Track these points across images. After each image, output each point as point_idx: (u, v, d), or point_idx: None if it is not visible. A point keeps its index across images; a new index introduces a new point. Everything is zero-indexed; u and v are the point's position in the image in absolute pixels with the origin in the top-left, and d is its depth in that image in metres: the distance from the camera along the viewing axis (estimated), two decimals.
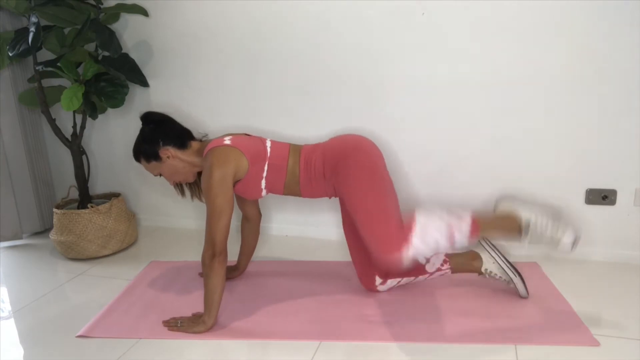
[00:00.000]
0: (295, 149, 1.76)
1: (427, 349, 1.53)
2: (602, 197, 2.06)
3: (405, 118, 2.21)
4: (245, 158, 1.65)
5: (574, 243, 1.52)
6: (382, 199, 1.62)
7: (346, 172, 1.64)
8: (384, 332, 1.62)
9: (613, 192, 2.05)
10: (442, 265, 1.82)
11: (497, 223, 1.60)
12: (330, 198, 1.79)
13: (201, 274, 2.04)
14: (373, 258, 1.66)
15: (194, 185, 1.90)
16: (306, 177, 1.72)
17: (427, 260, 1.83)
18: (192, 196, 1.90)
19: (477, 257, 1.82)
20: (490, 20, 2.00)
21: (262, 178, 1.71)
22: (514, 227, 1.57)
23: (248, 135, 1.81)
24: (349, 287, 1.92)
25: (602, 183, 2.06)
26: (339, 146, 1.71)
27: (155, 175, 1.80)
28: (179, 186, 1.87)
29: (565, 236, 1.52)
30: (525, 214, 1.56)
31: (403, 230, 1.54)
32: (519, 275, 1.76)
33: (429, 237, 1.52)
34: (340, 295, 1.87)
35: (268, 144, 1.74)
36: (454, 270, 1.83)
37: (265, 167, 1.70)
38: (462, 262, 1.83)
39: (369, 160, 1.66)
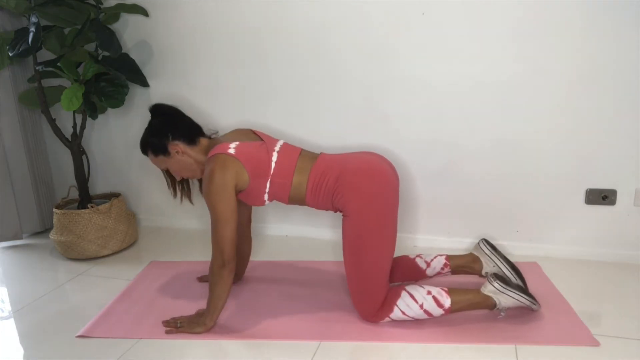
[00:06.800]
0: (304, 165, 1.65)
1: (427, 349, 1.53)
2: (602, 197, 2.06)
3: (406, 118, 2.21)
4: (246, 171, 1.59)
5: (532, 310, 1.68)
6: (379, 261, 1.61)
7: (355, 215, 1.58)
8: (384, 332, 1.62)
9: (613, 192, 2.05)
10: (442, 269, 1.84)
11: (471, 307, 1.64)
12: (335, 212, 1.69)
13: (200, 279, 2.03)
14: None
15: (185, 185, 1.84)
16: (313, 196, 1.64)
17: (428, 265, 1.84)
18: (181, 197, 1.84)
19: (477, 260, 1.82)
20: (491, 20, 2.00)
21: (264, 192, 1.64)
22: (488, 306, 1.64)
23: (259, 138, 1.72)
24: None
25: (602, 183, 2.06)
26: (357, 177, 1.60)
27: (161, 169, 1.75)
28: (172, 185, 1.82)
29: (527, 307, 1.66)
30: (503, 303, 1.62)
31: (383, 308, 1.63)
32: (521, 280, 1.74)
33: (403, 317, 1.63)
34: (340, 295, 1.87)
35: (274, 158, 1.63)
36: (453, 272, 1.84)
37: (268, 184, 1.62)
38: (462, 264, 1.83)
39: (382, 208, 1.59)
